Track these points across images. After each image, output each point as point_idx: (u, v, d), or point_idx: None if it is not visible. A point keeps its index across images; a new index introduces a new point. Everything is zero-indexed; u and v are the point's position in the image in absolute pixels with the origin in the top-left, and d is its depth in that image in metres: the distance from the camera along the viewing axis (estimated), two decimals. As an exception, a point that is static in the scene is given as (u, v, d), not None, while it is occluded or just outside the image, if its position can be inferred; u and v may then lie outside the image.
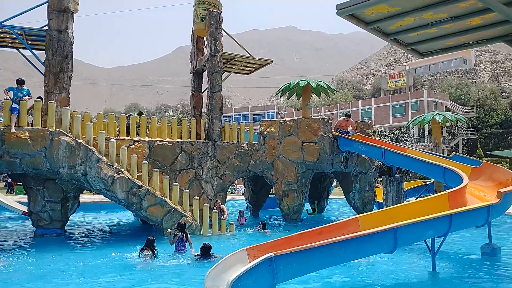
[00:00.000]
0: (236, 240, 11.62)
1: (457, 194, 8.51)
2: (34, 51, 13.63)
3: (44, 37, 12.49)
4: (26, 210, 15.07)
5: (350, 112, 15.77)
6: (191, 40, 16.78)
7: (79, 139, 11.22)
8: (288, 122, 15.18)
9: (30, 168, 10.80)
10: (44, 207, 11.94)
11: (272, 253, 5.89)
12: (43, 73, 12.43)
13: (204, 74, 15.91)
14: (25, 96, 11.36)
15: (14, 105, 11.01)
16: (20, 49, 14.45)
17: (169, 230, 10.46)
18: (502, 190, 8.48)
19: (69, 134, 11.13)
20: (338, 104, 61.96)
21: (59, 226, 12.12)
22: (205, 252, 8.94)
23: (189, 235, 9.87)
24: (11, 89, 11.42)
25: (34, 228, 12.10)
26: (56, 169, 10.91)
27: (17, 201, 18.37)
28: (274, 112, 68.71)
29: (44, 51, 12.59)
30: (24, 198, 15.71)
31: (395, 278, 7.66)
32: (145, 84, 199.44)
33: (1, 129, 10.58)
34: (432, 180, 16.53)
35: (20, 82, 11.66)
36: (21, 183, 15.87)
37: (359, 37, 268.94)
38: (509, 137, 47.25)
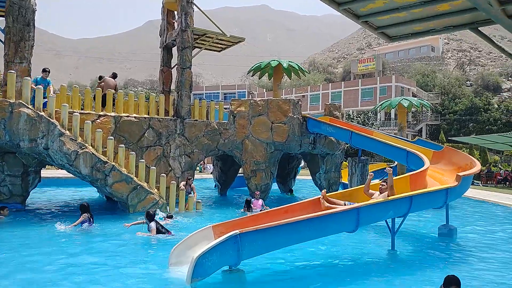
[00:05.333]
0: (203, 218, 11.65)
1: (418, 177, 8.82)
2: (-8, 17, 12.88)
3: (4, 3, 11.79)
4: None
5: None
6: (161, 14, 16.30)
7: (40, 111, 10.80)
8: (259, 102, 15.15)
9: (-12, 140, 10.34)
10: (4, 181, 11.54)
11: (237, 231, 5.96)
12: (3, 41, 11.80)
13: (174, 50, 15.55)
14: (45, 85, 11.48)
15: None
16: (-23, 14, 13.62)
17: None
18: (461, 173, 8.86)
19: (30, 106, 10.68)
20: (309, 86, 62.34)
21: (20, 201, 11.75)
22: (148, 218, 8.94)
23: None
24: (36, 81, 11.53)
25: (-7, 203, 11.69)
26: (16, 142, 10.49)
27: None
28: (245, 91, 68.37)
29: (3, 18, 11.92)
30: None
31: (356, 256, 7.92)
32: (113, 57, 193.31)
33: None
34: (396, 163, 17.05)
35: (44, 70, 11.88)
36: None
37: (332, 20, 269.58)
38: (471, 124, 49.10)
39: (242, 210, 12.40)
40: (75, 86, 13.29)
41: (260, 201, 12.75)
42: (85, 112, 12.30)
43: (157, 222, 9.02)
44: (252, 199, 12.97)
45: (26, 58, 11.56)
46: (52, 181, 18.78)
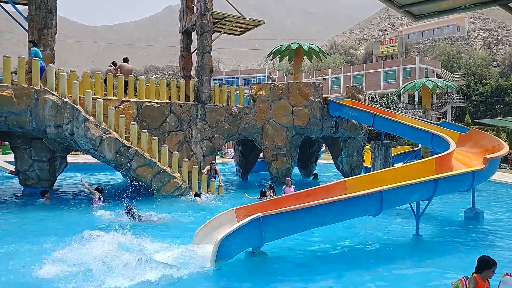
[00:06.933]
0: (225, 201, 11.73)
1: (444, 160, 8.62)
2: (16, 5, 13.09)
3: (26, -9, 11.97)
4: (13, 169, 14.97)
5: None
6: (181, -2, 16.25)
7: (65, 98, 11.00)
8: (279, 86, 15.04)
9: (16, 126, 10.62)
10: (32, 166, 11.88)
11: (260, 214, 5.98)
12: (27, 29, 12.00)
13: (194, 34, 15.52)
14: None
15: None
16: (1, 3, 13.86)
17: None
18: (488, 156, 8.62)
19: (54, 93, 10.89)
20: (330, 69, 61.48)
21: (47, 186, 12.10)
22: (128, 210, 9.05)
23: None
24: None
25: (22, 187, 12.08)
26: (43, 128, 10.75)
27: (4, 160, 18.20)
28: (265, 76, 67.95)
29: (27, 6, 12.09)
30: (11, 157, 15.55)
31: (379, 240, 7.85)
32: (133, 44, 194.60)
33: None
34: (420, 146, 16.74)
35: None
36: (7, 142, 15.67)
37: (352, 2, 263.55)
38: (498, 106, 47.63)
39: (257, 197, 11.39)
40: (98, 73, 13.46)
41: (292, 188, 11.84)
42: (108, 98, 12.48)
43: (133, 217, 9.02)
44: (284, 186, 12.34)
45: (50, 45, 11.75)
46: (79, 166, 19.22)
